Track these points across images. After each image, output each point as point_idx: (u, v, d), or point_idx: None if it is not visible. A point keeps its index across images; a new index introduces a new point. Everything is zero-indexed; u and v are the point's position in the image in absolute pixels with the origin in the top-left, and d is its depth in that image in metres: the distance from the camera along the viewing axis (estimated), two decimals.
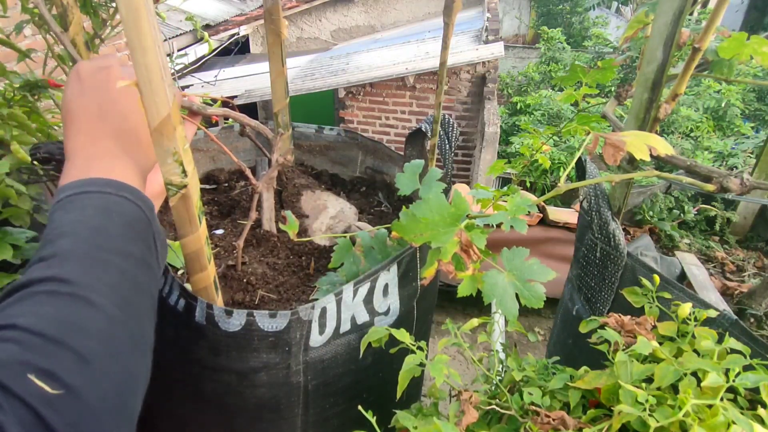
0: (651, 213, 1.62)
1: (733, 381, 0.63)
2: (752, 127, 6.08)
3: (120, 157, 0.59)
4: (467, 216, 0.66)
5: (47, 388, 0.39)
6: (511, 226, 0.67)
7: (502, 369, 0.87)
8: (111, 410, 0.44)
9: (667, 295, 0.90)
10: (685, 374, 0.65)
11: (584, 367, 0.75)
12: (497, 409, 0.74)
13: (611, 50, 8.29)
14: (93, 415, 0.42)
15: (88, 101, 0.60)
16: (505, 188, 0.73)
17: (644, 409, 0.60)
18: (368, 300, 0.93)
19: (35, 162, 0.95)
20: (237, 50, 6.74)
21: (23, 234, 0.96)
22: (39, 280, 0.47)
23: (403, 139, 2.35)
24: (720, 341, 0.71)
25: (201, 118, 0.80)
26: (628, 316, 0.81)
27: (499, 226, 0.69)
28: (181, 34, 5.51)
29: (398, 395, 0.75)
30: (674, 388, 0.65)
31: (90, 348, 0.44)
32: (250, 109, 5.84)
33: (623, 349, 0.72)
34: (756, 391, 0.65)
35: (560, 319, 1.48)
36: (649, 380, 0.66)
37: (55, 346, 0.42)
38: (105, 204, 0.54)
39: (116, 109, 0.60)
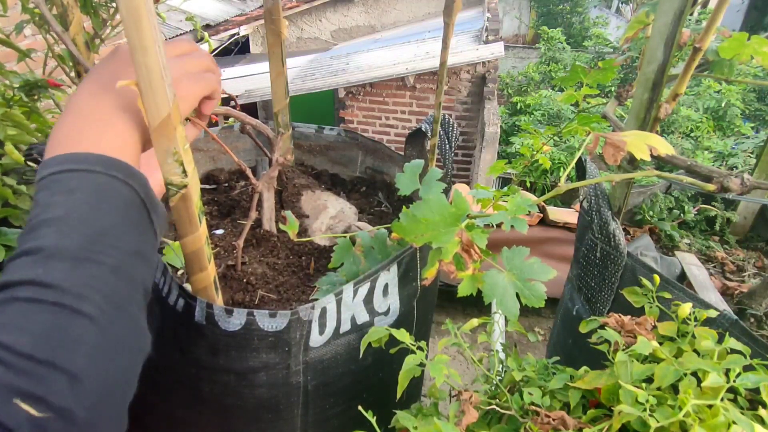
0: (651, 213, 1.62)
1: (734, 381, 0.63)
2: (752, 127, 6.08)
3: (118, 116, 0.54)
4: (468, 216, 0.66)
5: (34, 412, 0.37)
6: (512, 226, 0.67)
7: (502, 369, 0.87)
8: (103, 420, 0.43)
9: (667, 295, 0.90)
10: (686, 374, 0.65)
11: (584, 367, 0.75)
12: (497, 409, 0.74)
13: (611, 50, 8.29)
14: (86, 429, 0.41)
15: (106, 65, 0.57)
16: (506, 188, 0.73)
17: (644, 409, 0.60)
18: (368, 300, 0.93)
19: (28, 163, 0.95)
20: (237, 50, 6.75)
21: (17, 234, 0.96)
22: (21, 283, 0.42)
23: (403, 139, 2.35)
24: (720, 341, 0.71)
25: (207, 120, 0.80)
26: (628, 316, 0.81)
27: (499, 226, 0.69)
28: (181, 34, 5.51)
29: (398, 395, 0.75)
30: (674, 388, 0.65)
31: (80, 366, 0.41)
32: (250, 109, 5.84)
33: (623, 349, 0.72)
34: (756, 391, 0.65)
35: (560, 319, 1.48)
36: (650, 380, 0.66)
37: (44, 369, 0.39)
38: (95, 188, 0.49)
39: (126, 75, 0.55)
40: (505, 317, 0.67)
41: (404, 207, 0.68)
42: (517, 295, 0.65)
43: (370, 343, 0.79)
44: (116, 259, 0.47)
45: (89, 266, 0.45)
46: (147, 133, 0.57)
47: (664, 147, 0.66)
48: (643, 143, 0.65)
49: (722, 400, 0.60)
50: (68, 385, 0.40)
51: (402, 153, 1.47)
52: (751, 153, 4.95)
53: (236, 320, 0.79)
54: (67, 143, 0.51)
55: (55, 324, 0.41)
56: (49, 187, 0.48)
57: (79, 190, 0.48)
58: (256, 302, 1.04)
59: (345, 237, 1.05)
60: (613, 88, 6.40)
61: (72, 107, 0.54)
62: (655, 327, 0.79)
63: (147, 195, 0.53)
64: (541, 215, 2.62)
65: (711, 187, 0.77)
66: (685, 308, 0.77)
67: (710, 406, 0.60)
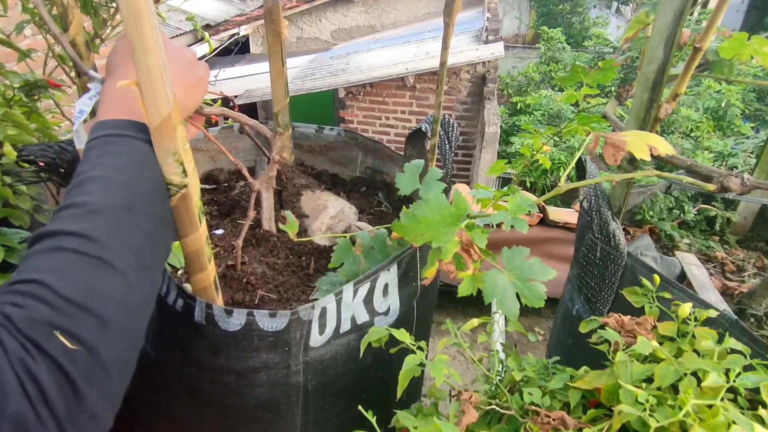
0: (651, 213, 1.62)
1: (734, 381, 0.63)
2: (752, 127, 6.08)
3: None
4: (468, 216, 0.66)
5: (69, 344, 0.45)
6: (512, 226, 0.67)
7: (502, 369, 0.87)
8: (119, 364, 0.50)
9: (667, 295, 0.90)
10: (685, 374, 0.64)
11: (584, 367, 0.75)
12: (497, 409, 0.74)
13: (611, 50, 8.29)
14: (104, 368, 0.47)
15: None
16: (506, 188, 0.73)
17: (644, 409, 0.60)
18: (368, 300, 0.93)
19: (20, 164, 0.95)
20: (237, 50, 6.74)
21: (17, 235, 0.96)
22: (67, 233, 0.49)
23: (403, 139, 2.35)
24: (720, 341, 0.71)
25: (204, 120, 0.80)
26: (628, 316, 0.81)
27: (499, 225, 0.69)
28: (181, 34, 5.51)
29: (398, 395, 0.75)
30: (674, 388, 0.65)
31: (110, 313, 0.48)
32: (250, 109, 5.84)
33: (623, 349, 0.72)
34: (756, 391, 0.65)
35: (560, 319, 1.48)
36: (649, 380, 0.66)
37: (80, 311, 0.46)
38: (140, 155, 0.56)
39: (169, 52, 0.60)
40: (505, 317, 0.67)
41: (404, 207, 0.68)
42: (517, 295, 0.65)
43: (370, 343, 0.79)
44: (149, 224, 0.55)
45: (127, 227, 0.52)
46: (185, 111, 0.64)
47: (664, 147, 0.66)
48: (643, 143, 0.65)
49: (722, 400, 0.60)
50: (97, 327, 0.47)
51: (402, 153, 1.47)
52: (751, 153, 4.94)
53: (236, 320, 0.79)
54: (118, 108, 0.58)
55: (94, 275, 0.48)
56: (100, 147, 0.55)
57: (125, 155, 0.55)
58: (256, 302, 1.04)
59: (345, 237, 1.05)
60: (613, 88, 6.40)
61: (119, 72, 0.61)
62: (655, 327, 0.79)
63: None
64: (541, 215, 2.62)
65: (711, 187, 0.77)
66: (685, 308, 0.77)
67: (710, 406, 0.60)
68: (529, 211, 0.68)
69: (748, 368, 0.66)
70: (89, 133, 0.57)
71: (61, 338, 0.44)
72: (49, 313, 0.45)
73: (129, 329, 0.51)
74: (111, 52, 0.64)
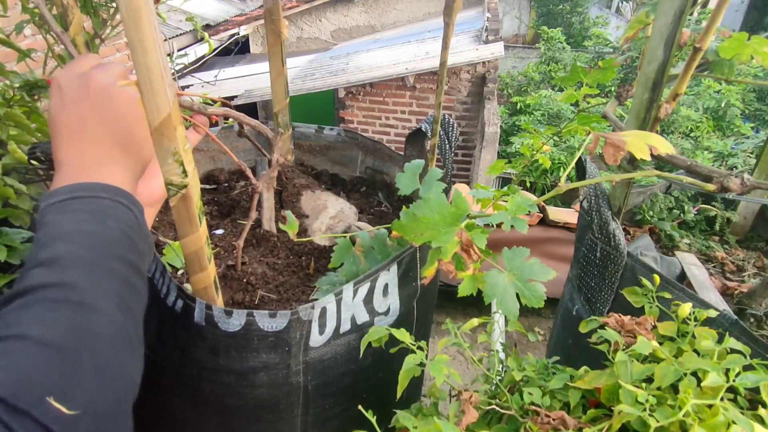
0: (651, 213, 1.62)
1: (733, 381, 0.63)
2: (752, 127, 6.08)
3: (110, 164, 0.58)
4: (468, 216, 0.66)
5: (65, 410, 0.39)
6: (512, 226, 0.67)
7: (502, 369, 0.87)
8: (117, 415, 0.45)
9: (667, 295, 0.90)
10: (685, 374, 0.65)
11: (584, 367, 0.75)
12: (497, 409, 0.74)
13: (611, 50, 8.29)
14: (103, 423, 0.43)
15: (70, 114, 0.58)
16: (505, 188, 0.73)
17: (644, 409, 0.60)
18: (368, 300, 0.93)
19: (32, 162, 0.95)
20: (237, 50, 6.75)
21: (19, 234, 0.96)
22: (42, 286, 0.45)
23: (403, 139, 2.35)
24: (720, 341, 0.71)
25: (207, 122, 0.80)
26: (628, 316, 0.81)
27: (499, 225, 0.69)
28: (181, 34, 5.51)
29: (398, 395, 0.75)
30: (674, 388, 0.65)
31: (103, 357, 0.44)
32: (250, 109, 5.83)
33: (623, 349, 0.72)
34: (756, 391, 0.65)
35: (560, 319, 1.48)
36: (649, 380, 0.66)
37: (73, 359, 0.42)
38: (100, 208, 0.53)
39: (100, 116, 0.58)
40: (505, 317, 0.67)
41: (404, 207, 0.68)
42: (517, 296, 0.65)
43: (370, 343, 0.80)
44: (123, 267, 0.52)
45: (102, 272, 0.50)
46: (142, 164, 0.62)
47: (664, 147, 0.66)
48: (643, 143, 0.65)
49: (722, 399, 0.60)
50: (93, 376, 0.43)
51: (402, 153, 1.47)
52: (751, 153, 4.94)
53: (236, 321, 0.79)
54: (72, 173, 0.55)
55: (79, 318, 0.45)
56: (57, 210, 0.52)
57: (85, 211, 0.53)
58: (256, 302, 1.04)
59: (345, 237, 1.05)
60: (613, 88, 6.40)
61: (69, 133, 0.58)
62: (655, 327, 0.79)
63: (143, 223, 0.58)
64: (541, 215, 2.62)
65: (711, 187, 0.77)
66: (685, 308, 0.77)
67: (710, 406, 0.60)
68: (529, 211, 0.68)
69: (748, 368, 0.66)
70: (41, 203, 0.54)
71: (56, 405, 0.39)
72: (37, 371, 0.39)
73: (123, 377, 0.47)
74: (54, 118, 0.59)
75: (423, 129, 1.28)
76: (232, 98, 4.97)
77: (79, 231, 0.50)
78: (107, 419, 0.43)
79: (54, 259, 0.48)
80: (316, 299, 0.85)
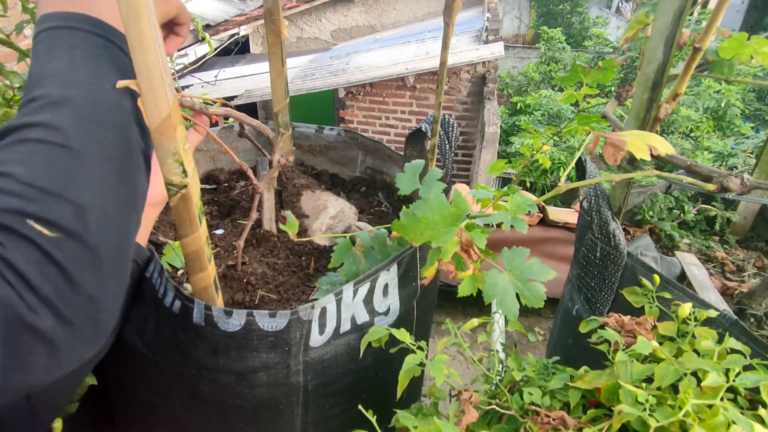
0: (651, 213, 1.62)
1: (733, 381, 0.63)
2: (752, 127, 6.08)
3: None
4: (467, 216, 0.66)
5: (47, 232, 0.42)
6: (512, 226, 0.67)
7: (502, 369, 0.87)
8: (110, 250, 0.47)
9: (667, 295, 0.90)
10: (685, 374, 0.65)
11: (584, 367, 0.75)
12: (497, 409, 0.74)
13: (611, 50, 8.29)
14: (94, 253, 0.45)
15: None
16: (505, 188, 0.73)
17: (644, 409, 0.60)
18: (368, 300, 0.93)
19: None
20: (237, 50, 6.74)
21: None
22: (28, 125, 0.45)
23: (403, 139, 2.35)
24: (720, 341, 0.71)
25: (208, 122, 0.80)
26: (628, 316, 0.81)
27: (499, 225, 0.69)
28: None
29: (398, 395, 0.75)
30: (674, 388, 0.65)
31: (87, 198, 0.45)
32: (250, 109, 5.84)
33: (623, 349, 0.72)
34: (756, 391, 0.65)
35: (560, 319, 1.48)
36: (649, 380, 0.66)
37: (52, 197, 0.43)
38: (96, 48, 0.51)
39: None
40: (505, 317, 0.67)
41: (404, 207, 0.68)
42: (517, 296, 0.65)
43: (370, 343, 0.79)
44: (117, 116, 0.50)
45: (93, 116, 0.48)
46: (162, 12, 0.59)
47: (664, 147, 0.66)
48: (643, 143, 0.65)
49: (722, 399, 0.60)
50: (75, 213, 0.44)
51: (402, 153, 1.47)
52: (751, 153, 4.94)
53: (236, 321, 0.79)
54: (65, 2, 0.52)
55: (63, 162, 0.45)
56: (51, 41, 0.50)
57: (81, 48, 0.50)
58: (256, 302, 1.04)
59: (345, 237, 1.05)
60: (613, 88, 6.40)
61: None
62: (655, 327, 0.79)
63: None
64: (541, 215, 2.62)
65: (711, 187, 0.77)
66: (685, 308, 0.77)
67: (710, 406, 0.60)
68: (529, 211, 0.68)
69: (748, 368, 0.66)
70: (35, 26, 0.52)
71: (36, 226, 0.41)
72: (18, 202, 0.41)
73: (112, 215, 0.48)
74: None
75: (423, 129, 1.28)
76: (232, 98, 4.98)
77: (73, 69, 0.49)
78: (98, 250, 0.45)
79: (45, 95, 0.47)
80: (316, 299, 0.85)
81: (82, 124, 0.47)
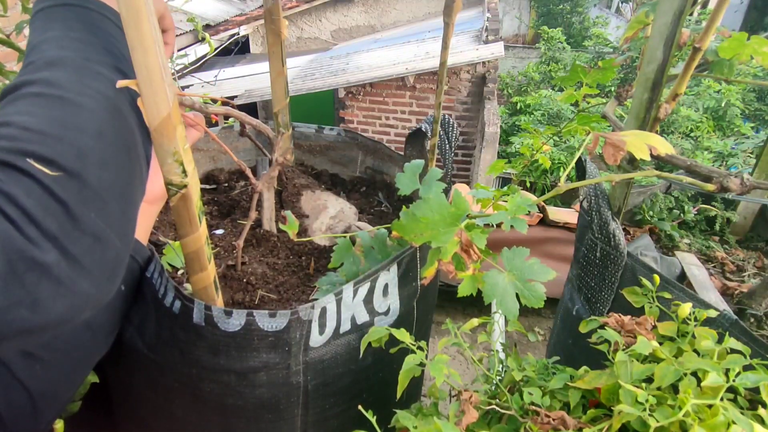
0: (651, 213, 1.62)
1: (733, 381, 0.63)
2: (752, 127, 6.09)
3: None
4: (467, 216, 0.66)
5: (47, 171, 0.42)
6: (511, 226, 0.67)
7: (502, 369, 0.87)
8: (113, 194, 0.48)
9: (667, 295, 0.90)
10: (685, 374, 0.65)
11: (584, 367, 0.75)
12: (497, 409, 0.74)
13: (611, 50, 8.30)
14: (97, 194, 0.46)
15: None
16: (505, 188, 0.73)
17: (644, 409, 0.60)
18: (368, 300, 0.93)
19: None
20: (237, 50, 6.74)
21: None
22: (28, 82, 0.47)
23: (403, 139, 2.35)
24: (720, 341, 0.71)
25: (205, 120, 0.80)
26: (628, 316, 0.81)
27: (499, 225, 0.69)
28: (181, 34, 5.51)
29: (398, 395, 0.75)
30: (674, 388, 0.65)
31: (86, 143, 0.46)
32: (250, 109, 5.83)
33: (623, 349, 0.72)
34: (756, 391, 0.65)
35: (560, 319, 1.48)
36: (649, 380, 0.66)
37: (54, 140, 0.44)
38: (90, 19, 0.54)
39: None
40: (505, 317, 0.67)
41: (404, 207, 0.68)
42: (517, 296, 0.65)
43: (370, 343, 0.79)
44: (111, 73, 0.52)
45: (88, 73, 0.50)
46: None
47: (663, 147, 0.66)
48: (643, 143, 0.65)
49: (722, 399, 0.60)
50: (75, 154, 0.45)
51: (402, 153, 1.47)
52: (751, 153, 4.94)
53: (236, 321, 0.79)
54: None
55: (62, 110, 0.46)
56: (48, 15, 0.53)
57: (75, 19, 0.53)
58: (256, 302, 1.04)
59: (345, 237, 1.05)
60: (613, 88, 6.40)
61: None
62: (655, 327, 0.79)
63: None
64: (541, 215, 2.62)
65: (711, 187, 0.77)
66: (685, 308, 0.77)
67: (710, 406, 0.60)
68: (529, 211, 0.68)
69: (748, 368, 0.66)
70: (33, 7, 0.55)
71: (37, 165, 0.42)
72: (18, 144, 0.42)
73: (112, 159, 0.48)
74: None
75: (423, 129, 1.28)
76: (232, 98, 4.97)
77: (67, 36, 0.52)
78: (101, 190, 0.46)
79: (41, 58, 0.49)
80: (316, 299, 0.85)
81: (77, 79, 0.49)
